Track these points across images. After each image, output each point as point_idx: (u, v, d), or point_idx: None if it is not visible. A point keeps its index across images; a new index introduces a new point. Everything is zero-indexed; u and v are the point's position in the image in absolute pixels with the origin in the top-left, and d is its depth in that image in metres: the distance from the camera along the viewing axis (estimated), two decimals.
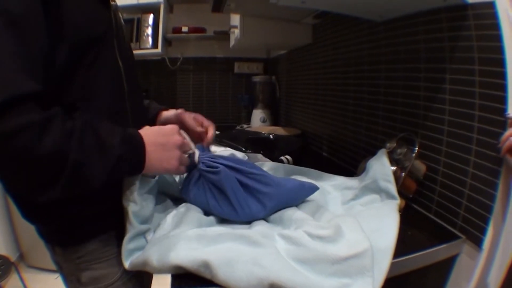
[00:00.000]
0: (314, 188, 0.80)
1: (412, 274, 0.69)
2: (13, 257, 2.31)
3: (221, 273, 0.54)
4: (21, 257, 2.44)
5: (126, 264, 0.65)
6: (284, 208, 0.74)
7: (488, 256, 0.71)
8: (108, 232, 0.75)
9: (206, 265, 0.56)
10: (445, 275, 0.80)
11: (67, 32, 0.60)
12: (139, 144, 0.65)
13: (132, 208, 0.68)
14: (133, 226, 0.67)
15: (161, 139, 0.69)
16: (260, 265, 0.54)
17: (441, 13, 0.83)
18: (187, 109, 0.99)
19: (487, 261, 0.71)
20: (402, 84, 1.00)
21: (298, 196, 0.78)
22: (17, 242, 2.41)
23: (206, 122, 0.96)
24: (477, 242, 0.72)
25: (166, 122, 0.96)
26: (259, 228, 0.68)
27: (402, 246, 0.63)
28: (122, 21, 0.88)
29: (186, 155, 0.75)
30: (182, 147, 0.72)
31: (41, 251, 2.28)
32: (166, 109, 1.02)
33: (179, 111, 0.98)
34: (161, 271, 0.59)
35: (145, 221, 0.71)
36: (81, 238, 0.72)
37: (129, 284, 0.78)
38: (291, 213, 0.71)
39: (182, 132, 0.75)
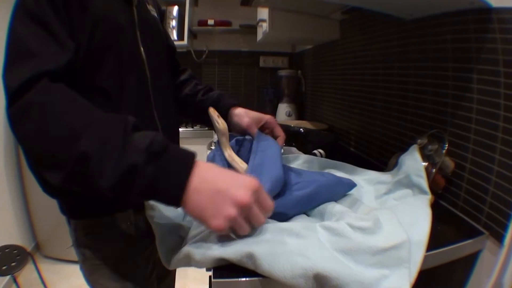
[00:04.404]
0: (352, 185, 0.81)
1: (437, 269, 0.69)
2: (29, 247, 2.34)
3: (265, 264, 0.53)
4: (37, 247, 2.46)
5: (168, 265, 0.64)
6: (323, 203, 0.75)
7: (507, 253, 0.73)
8: (116, 214, 0.80)
9: (250, 256, 0.54)
10: (468, 271, 0.81)
11: (88, 15, 0.67)
12: (184, 165, 0.53)
13: (149, 213, 0.74)
14: (156, 227, 0.70)
15: (221, 183, 0.53)
16: (305, 255, 0.53)
17: (468, 14, 0.85)
18: None
19: (506, 258, 0.74)
20: (431, 82, 1.02)
21: (337, 192, 0.79)
22: (33, 232, 2.43)
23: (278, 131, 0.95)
24: (499, 238, 0.74)
25: (239, 123, 0.93)
26: (301, 221, 0.69)
27: (432, 241, 0.63)
28: (154, 13, 0.92)
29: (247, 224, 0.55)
30: (245, 210, 0.53)
31: (57, 241, 2.34)
32: (240, 106, 0.96)
33: (268, 117, 0.94)
34: (204, 264, 0.58)
35: (170, 220, 0.73)
36: (90, 214, 0.79)
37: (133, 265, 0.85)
38: (331, 207, 0.72)
39: (263, 193, 0.56)
